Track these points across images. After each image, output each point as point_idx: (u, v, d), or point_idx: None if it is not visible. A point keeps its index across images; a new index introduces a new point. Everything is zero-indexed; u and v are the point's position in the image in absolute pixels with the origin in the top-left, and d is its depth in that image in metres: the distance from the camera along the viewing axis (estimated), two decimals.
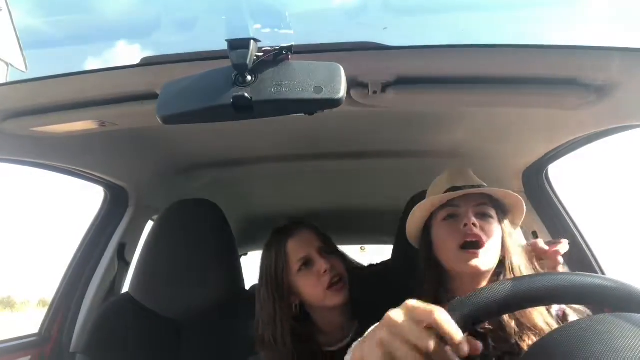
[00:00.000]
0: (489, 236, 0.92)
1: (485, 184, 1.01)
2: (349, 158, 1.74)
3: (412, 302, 0.52)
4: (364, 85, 0.94)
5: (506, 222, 0.98)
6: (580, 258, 1.42)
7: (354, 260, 1.32)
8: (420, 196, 1.34)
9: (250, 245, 2.78)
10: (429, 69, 0.92)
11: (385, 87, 0.94)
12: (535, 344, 0.44)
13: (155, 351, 1.28)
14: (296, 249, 1.15)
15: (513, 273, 0.92)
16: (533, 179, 1.53)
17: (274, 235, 1.23)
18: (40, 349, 1.50)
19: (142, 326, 1.29)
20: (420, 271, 1.00)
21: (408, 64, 0.91)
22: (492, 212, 0.96)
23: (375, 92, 0.95)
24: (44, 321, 1.57)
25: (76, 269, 1.62)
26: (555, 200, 1.52)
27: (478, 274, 0.91)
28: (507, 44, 0.85)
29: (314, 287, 1.11)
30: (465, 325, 0.47)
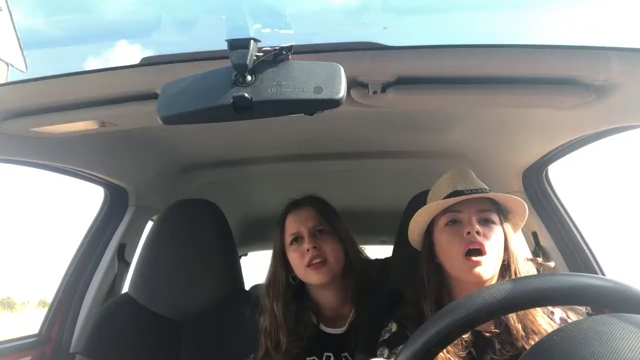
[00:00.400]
0: (491, 242, 0.92)
1: (487, 187, 1.00)
2: (349, 158, 1.74)
3: None
4: (364, 85, 0.94)
5: (508, 226, 0.98)
6: (580, 258, 1.42)
7: (362, 251, 1.36)
8: (421, 196, 1.34)
9: (250, 245, 2.78)
10: (429, 69, 0.92)
11: (385, 87, 0.94)
12: (534, 345, 0.44)
13: (155, 351, 1.28)
14: (291, 224, 1.25)
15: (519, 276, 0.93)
16: (533, 179, 1.53)
17: (285, 207, 1.32)
18: (40, 350, 1.50)
19: (142, 326, 1.29)
20: (421, 273, 1.00)
21: (408, 64, 0.91)
22: (495, 217, 0.96)
23: (375, 92, 0.95)
24: (44, 322, 1.57)
25: (76, 269, 1.62)
26: (555, 200, 1.52)
27: (481, 281, 0.91)
28: (507, 44, 0.85)
29: (297, 263, 1.18)
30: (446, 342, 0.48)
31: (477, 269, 0.89)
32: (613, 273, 1.42)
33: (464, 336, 0.88)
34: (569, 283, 0.48)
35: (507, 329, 0.89)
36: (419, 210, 1.00)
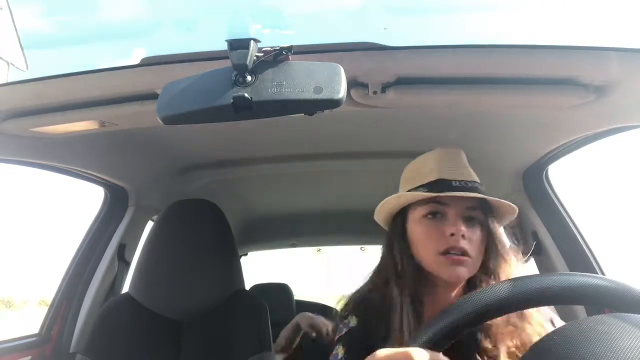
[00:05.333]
0: (474, 245, 0.84)
1: (476, 178, 0.90)
2: (349, 158, 1.74)
3: (382, 353, 0.51)
4: (364, 86, 0.94)
5: (495, 225, 0.88)
6: (580, 258, 1.42)
7: None
8: None
9: (250, 245, 2.79)
10: (429, 69, 0.92)
11: (385, 87, 0.94)
12: (534, 346, 0.44)
13: (155, 351, 1.27)
14: None
15: (498, 279, 0.84)
16: (533, 179, 1.53)
17: None
18: (40, 349, 1.50)
19: (142, 326, 1.29)
20: (393, 259, 0.90)
21: (408, 64, 0.91)
22: (481, 216, 0.86)
23: (375, 92, 0.95)
24: (44, 321, 1.57)
25: (76, 269, 1.62)
26: (555, 200, 1.52)
27: (460, 280, 0.84)
28: (507, 44, 0.85)
29: None
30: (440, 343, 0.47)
31: (457, 269, 0.82)
32: (613, 273, 1.42)
33: None
34: (569, 283, 0.48)
35: (474, 333, 0.82)
36: (391, 197, 0.91)
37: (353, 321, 0.90)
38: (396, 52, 0.87)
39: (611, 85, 0.91)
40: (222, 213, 1.41)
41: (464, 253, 0.82)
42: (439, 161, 0.90)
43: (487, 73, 0.92)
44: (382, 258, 0.94)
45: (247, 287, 1.53)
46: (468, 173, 0.90)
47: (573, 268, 1.41)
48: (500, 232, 0.90)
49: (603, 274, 1.38)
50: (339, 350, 0.87)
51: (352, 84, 0.94)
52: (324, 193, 2.27)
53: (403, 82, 0.94)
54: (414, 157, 1.73)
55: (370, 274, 0.97)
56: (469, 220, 0.85)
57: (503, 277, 0.85)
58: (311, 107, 0.65)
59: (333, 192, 2.26)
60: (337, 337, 0.90)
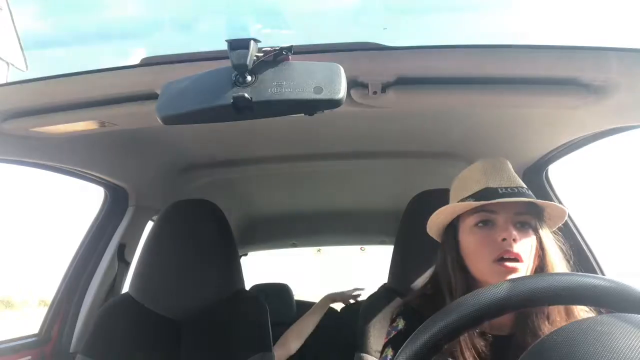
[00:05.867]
0: (527, 250, 0.84)
1: (523, 184, 0.90)
2: (349, 158, 1.74)
3: None
4: (364, 86, 0.94)
5: (545, 229, 0.89)
6: (580, 258, 1.42)
7: None
8: (421, 196, 1.34)
9: (250, 245, 2.79)
10: (429, 69, 0.92)
11: (385, 87, 0.94)
12: (534, 345, 0.44)
13: (155, 351, 1.27)
14: None
15: None
16: (533, 179, 1.53)
17: None
18: (40, 349, 1.50)
19: (142, 326, 1.29)
20: (445, 272, 0.91)
21: (408, 64, 0.91)
22: (532, 221, 0.86)
23: (375, 93, 0.95)
24: (44, 321, 1.57)
25: (76, 269, 1.62)
26: (556, 200, 1.51)
27: None
28: (507, 44, 0.85)
29: None
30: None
31: (511, 275, 0.81)
32: (613, 273, 1.42)
33: (476, 341, 0.83)
34: (569, 282, 0.48)
35: (521, 331, 0.84)
36: (442, 209, 0.90)
37: (401, 324, 0.91)
38: (396, 52, 0.87)
39: (611, 86, 0.91)
40: (222, 213, 1.41)
41: (517, 259, 0.82)
42: (485, 170, 0.90)
43: (487, 73, 0.92)
44: (436, 268, 0.95)
45: (247, 287, 1.53)
46: (514, 179, 0.90)
47: (572, 268, 1.41)
48: (551, 237, 0.90)
49: (603, 274, 1.38)
50: (388, 352, 0.88)
51: (352, 84, 0.94)
52: (323, 193, 2.27)
53: (403, 82, 0.94)
54: (413, 156, 1.75)
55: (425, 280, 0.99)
56: (520, 226, 0.85)
57: None
58: (311, 107, 0.65)
59: (333, 192, 2.26)
60: (386, 340, 0.91)
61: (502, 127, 1.38)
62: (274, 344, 1.33)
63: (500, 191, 0.86)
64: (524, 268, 0.84)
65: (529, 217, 0.86)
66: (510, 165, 0.93)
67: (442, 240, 0.96)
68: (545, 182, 1.53)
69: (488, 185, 0.87)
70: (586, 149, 1.30)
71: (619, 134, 1.13)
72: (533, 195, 0.87)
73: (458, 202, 0.91)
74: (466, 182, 0.92)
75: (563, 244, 0.91)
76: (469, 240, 0.88)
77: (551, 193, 1.52)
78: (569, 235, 1.45)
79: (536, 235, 0.86)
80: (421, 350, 0.47)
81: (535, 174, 1.52)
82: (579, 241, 1.44)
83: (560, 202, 1.51)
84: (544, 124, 1.25)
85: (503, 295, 0.48)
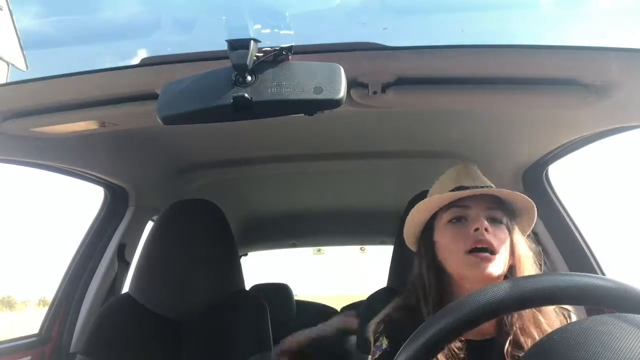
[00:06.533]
0: (500, 242, 0.85)
1: (494, 186, 0.93)
2: (348, 158, 1.74)
3: None
4: (364, 86, 0.94)
5: (517, 229, 0.91)
6: (580, 258, 1.42)
7: None
8: (421, 197, 1.34)
9: (250, 245, 2.79)
10: (429, 69, 0.92)
11: (385, 87, 0.94)
12: (534, 345, 0.44)
13: (155, 351, 1.27)
14: None
15: None
16: (533, 179, 1.53)
17: None
18: (40, 349, 1.50)
19: (142, 326, 1.29)
20: (421, 275, 0.93)
21: (408, 64, 0.91)
22: (503, 217, 0.89)
23: (375, 93, 0.95)
24: (44, 321, 1.57)
25: (76, 269, 1.62)
26: (555, 200, 1.52)
27: (489, 279, 0.83)
28: (507, 44, 0.85)
29: None
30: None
31: (486, 266, 0.83)
32: (613, 273, 1.42)
33: (455, 345, 0.83)
34: (569, 282, 0.48)
35: (501, 335, 0.84)
36: (418, 204, 0.93)
37: (384, 343, 0.91)
38: (396, 52, 0.87)
39: (612, 86, 0.91)
40: (222, 213, 1.41)
41: (490, 249, 0.84)
42: (457, 173, 0.94)
43: (487, 73, 0.92)
44: (413, 277, 0.96)
45: (247, 287, 1.53)
46: (484, 180, 0.94)
47: (573, 268, 1.41)
48: (523, 239, 0.91)
49: (603, 274, 1.38)
50: None
51: (352, 84, 0.94)
52: (323, 193, 2.27)
53: (403, 82, 0.94)
54: (413, 156, 1.75)
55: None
56: (492, 220, 0.88)
57: None
58: (311, 107, 0.66)
59: (333, 192, 2.26)
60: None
61: (502, 127, 1.38)
62: (274, 344, 1.33)
63: (471, 189, 0.89)
64: (499, 260, 0.85)
65: (500, 213, 0.89)
66: (479, 170, 0.97)
67: (418, 245, 0.98)
68: (545, 182, 1.53)
69: (462, 183, 0.91)
70: (586, 149, 1.30)
71: (619, 133, 1.13)
72: (508, 192, 0.90)
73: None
74: (442, 183, 0.96)
75: (534, 248, 0.93)
76: (444, 237, 0.90)
77: (551, 193, 1.52)
78: (568, 235, 1.46)
79: (509, 232, 0.89)
80: (421, 351, 0.47)
81: (535, 174, 1.52)
82: (579, 241, 1.44)
83: (560, 203, 1.51)
84: (544, 124, 1.25)
85: (503, 295, 0.48)
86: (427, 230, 0.95)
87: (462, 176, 0.93)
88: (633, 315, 0.43)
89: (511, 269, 0.88)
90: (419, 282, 0.93)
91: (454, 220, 0.89)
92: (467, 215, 0.88)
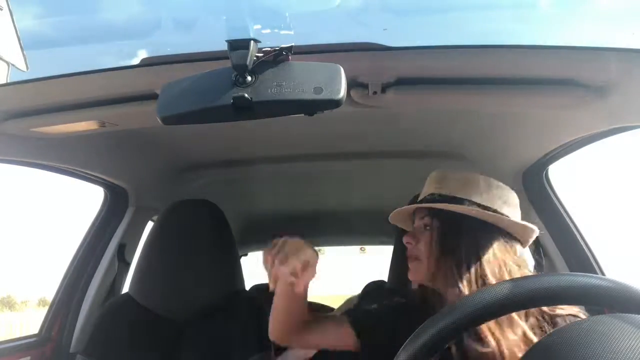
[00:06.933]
0: (418, 247, 0.94)
1: (446, 192, 0.94)
2: (348, 158, 1.74)
3: None
4: (364, 86, 0.94)
5: (449, 236, 0.90)
6: (580, 258, 1.42)
7: None
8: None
9: (250, 245, 2.78)
10: (429, 69, 0.92)
11: (385, 87, 0.94)
12: (534, 345, 0.44)
13: (156, 351, 1.27)
14: None
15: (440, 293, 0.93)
16: (533, 179, 1.53)
17: None
18: (40, 350, 1.50)
19: (142, 326, 1.29)
20: None
21: (408, 64, 0.91)
22: (431, 222, 0.93)
23: (375, 93, 0.95)
24: (44, 321, 1.57)
25: (76, 269, 1.62)
26: (555, 200, 1.52)
27: (418, 284, 0.97)
28: (507, 44, 0.85)
29: None
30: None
31: (410, 274, 0.95)
32: (613, 273, 1.42)
33: None
34: (569, 282, 0.48)
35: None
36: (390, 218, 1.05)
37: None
38: (396, 52, 0.87)
39: (611, 86, 0.91)
40: (222, 213, 1.41)
41: (411, 256, 0.95)
42: (426, 182, 1.01)
43: (487, 73, 0.92)
44: None
45: (247, 287, 1.53)
46: (444, 187, 0.95)
47: (573, 268, 1.41)
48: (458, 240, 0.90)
49: (603, 274, 1.38)
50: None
51: (352, 84, 0.94)
52: (324, 193, 2.27)
53: (403, 82, 0.94)
54: (413, 156, 1.74)
55: None
56: (423, 227, 0.95)
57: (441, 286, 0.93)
58: (311, 107, 0.66)
59: (333, 192, 2.26)
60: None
61: (502, 127, 1.38)
62: (273, 345, 1.33)
63: (418, 200, 0.98)
64: (418, 265, 0.93)
65: (428, 219, 0.94)
66: (450, 174, 0.97)
67: None
68: (545, 182, 1.53)
69: (420, 195, 0.99)
70: (586, 149, 1.30)
71: (618, 133, 1.13)
72: (446, 201, 0.91)
73: None
74: None
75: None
76: None
77: (551, 193, 1.52)
78: (568, 235, 1.46)
79: (436, 239, 0.92)
80: (421, 350, 0.47)
81: (535, 174, 1.52)
82: (579, 241, 1.44)
83: (560, 202, 1.51)
84: (544, 124, 1.25)
85: (503, 295, 0.48)
86: None
87: (425, 185, 1.00)
88: (633, 315, 0.43)
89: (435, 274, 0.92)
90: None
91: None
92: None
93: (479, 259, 0.87)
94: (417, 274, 0.94)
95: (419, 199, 0.99)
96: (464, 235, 0.89)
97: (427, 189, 0.99)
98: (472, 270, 0.86)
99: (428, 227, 0.93)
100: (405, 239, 0.95)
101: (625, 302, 0.46)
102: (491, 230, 0.89)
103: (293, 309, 0.98)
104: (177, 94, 0.68)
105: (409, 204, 1.18)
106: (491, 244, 0.88)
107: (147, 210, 1.78)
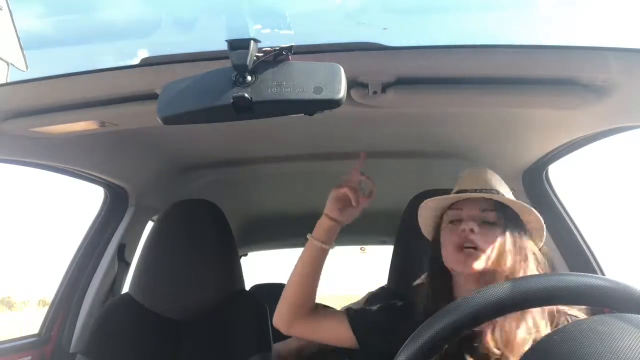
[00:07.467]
0: (488, 242, 0.91)
1: (497, 189, 0.97)
2: (349, 158, 1.73)
3: None
4: (364, 86, 0.94)
5: (515, 233, 0.93)
6: (580, 258, 1.42)
7: None
8: (421, 196, 1.34)
9: (251, 245, 2.78)
10: (429, 69, 0.92)
11: (385, 87, 0.94)
12: (534, 346, 0.44)
13: (156, 351, 1.27)
14: None
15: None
16: (533, 179, 1.53)
17: None
18: (40, 350, 1.50)
19: (142, 326, 1.29)
20: (429, 272, 1.02)
21: (408, 64, 0.91)
22: (496, 219, 0.93)
23: (375, 92, 0.95)
24: (44, 321, 1.57)
25: (76, 269, 1.62)
26: (555, 200, 1.52)
27: (473, 273, 0.91)
28: (507, 44, 0.85)
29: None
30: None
31: (469, 261, 0.90)
32: (613, 273, 1.42)
33: None
34: (569, 282, 0.48)
35: (483, 330, 0.87)
36: (420, 205, 1.03)
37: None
38: (396, 52, 0.87)
39: (611, 86, 0.91)
40: (222, 213, 1.41)
41: (474, 247, 0.90)
42: (463, 177, 1.01)
43: (487, 73, 0.92)
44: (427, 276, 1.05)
45: (247, 287, 1.53)
46: (489, 183, 0.98)
47: (573, 268, 1.41)
48: (522, 239, 0.94)
49: (603, 274, 1.38)
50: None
51: (352, 84, 0.94)
52: (324, 193, 2.27)
53: (403, 82, 0.94)
54: (413, 156, 1.74)
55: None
56: (483, 222, 0.93)
57: None
58: (311, 107, 0.65)
59: None
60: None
61: (502, 127, 1.38)
62: (274, 344, 1.33)
63: (469, 191, 0.96)
64: (482, 256, 0.90)
65: (493, 215, 0.93)
66: (491, 175, 1.00)
67: (432, 243, 1.05)
68: (545, 182, 1.53)
69: (463, 187, 0.98)
70: (586, 149, 1.30)
71: (618, 133, 1.13)
72: (503, 197, 0.94)
73: None
74: (457, 186, 1.03)
75: (540, 256, 0.95)
76: (443, 236, 0.98)
77: (551, 193, 1.52)
78: (568, 235, 1.46)
79: (503, 232, 0.92)
80: (421, 350, 0.47)
81: (535, 175, 1.52)
82: (579, 241, 1.44)
83: (560, 202, 1.51)
84: (543, 124, 1.25)
85: (503, 295, 0.48)
86: (438, 229, 1.02)
87: (466, 179, 1.00)
88: (633, 315, 0.43)
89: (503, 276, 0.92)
90: (428, 278, 1.01)
91: (451, 222, 0.97)
92: (461, 217, 0.95)
93: (531, 254, 0.92)
94: (476, 263, 0.90)
95: (459, 191, 0.97)
96: (526, 232, 0.95)
97: (470, 184, 0.97)
98: (526, 264, 0.91)
99: (493, 220, 0.93)
100: (468, 226, 0.91)
101: (625, 302, 0.46)
102: (524, 228, 0.96)
103: (308, 281, 1.03)
104: (177, 94, 0.68)
105: (411, 202, 1.20)
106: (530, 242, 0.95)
107: (147, 210, 1.78)
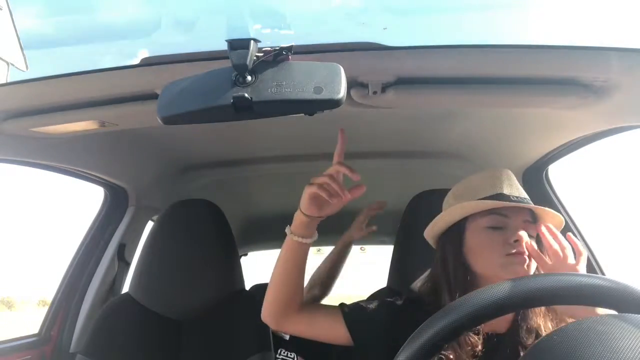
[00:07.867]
0: (532, 253, 0.89)
1: (528, 197, 0.97)
2: (349, 158, 1.73)
3: None
4: (364, 86, 0.94)
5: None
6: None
7: None
8: (421, 196, 1.34)
9: (250, 245, 2.78)
10: (429, 69, 0.92)
11: (385, 87, 0.94)
12: (534, 345, 0.44)
13: (156, 351, 1.27)
14: None
15: None
16: (533, 179, 1.53)
17: None
18: (40, 349, 1.50)
19: (142, 326, 1.29)
20: (445, 271, 0.96)
21: (408, 64, 0.91)
22: (535, 233, 0.93)
23: (375, 92, 0.95)
24: (44, 321, 1.57)
25: (76, 269, 1.62)
26: (555, 200, 1.52)
27: None
28: (507, 44, 0.85)
29: None
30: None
31: (520, 267, 0.87)
32: (613, 273, 1.42)
33: (471, 338, 0.87)
34: (569, 282, 0.48)
35: (516, 329, 0.89)
36: (457, 205, 0.95)
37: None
38: (396, 52, 0.87)
39: (611, 86, 0.91)
40: (222, 213, 1.41)
41: (525, 256, 0.88)
42: (496, 179, 0.97)
43: (487, 73, 0.92)
44: (434, 268, 0.99)
45: (247, 287, 1.53)
46: (522, 191, 0.97)
47: None
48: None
49: (603, 274, 1.38)
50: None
51: (352, 84, 0.94)
52: None
53: (403, 82, 0.94)
54: (413, 156, 1.74)
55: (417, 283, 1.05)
56: (524, 228, 0.91)
57: None
58: (311, 107, 0.65)
59: None
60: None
61: (502, 127, 1.38)
62: (274, 344, 1.33)
63: (512, 198, 0.92)
64: (531, 265, 0.88)
65: (533, 227, 0.91)
66: (507, 174, 0.99)
67: (443, 240, 0.99)
68: (545, 182, 1.53)
69: (502, 191, 0.93)
70: (586, 149, 1.30)
71: (618, 133, 1.13)
72: (549, 213, 0.93)
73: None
74: (476, 187, 0.97)
75: None
76: (479, 240, 0.93)
77: (551, 193, 1.52)
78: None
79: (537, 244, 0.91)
80: (421, 350, 0.47)
81: (535, 174, 1.52)
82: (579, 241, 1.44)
83: (560, 202, 1.51)
84: (544, 124, 1.25)
85: (503, 295, 0.48)
86: (455, 229, 0.96)
87: (502, 182, 0.96)
88: (633, 315, 0.43)
89: None
90: (443, 275, 0.95)
91: (491, 227, 0.92)
92: (506, 224, 0.92)
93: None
94: (524, 272, 0.88)
95: (499, 194, 0.93)
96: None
97: (516, 189, 0.95)
98: None
99: (531, 235, 0.91)
100: (520, 237, 0.89)
101: (625, 302, 0.46)
102: None
103: (291, 277, 0.97)
104: (177, 94, 0.68)
105: (411, 202, 1.17)
106: None
107: (147, 210, 1.78)
